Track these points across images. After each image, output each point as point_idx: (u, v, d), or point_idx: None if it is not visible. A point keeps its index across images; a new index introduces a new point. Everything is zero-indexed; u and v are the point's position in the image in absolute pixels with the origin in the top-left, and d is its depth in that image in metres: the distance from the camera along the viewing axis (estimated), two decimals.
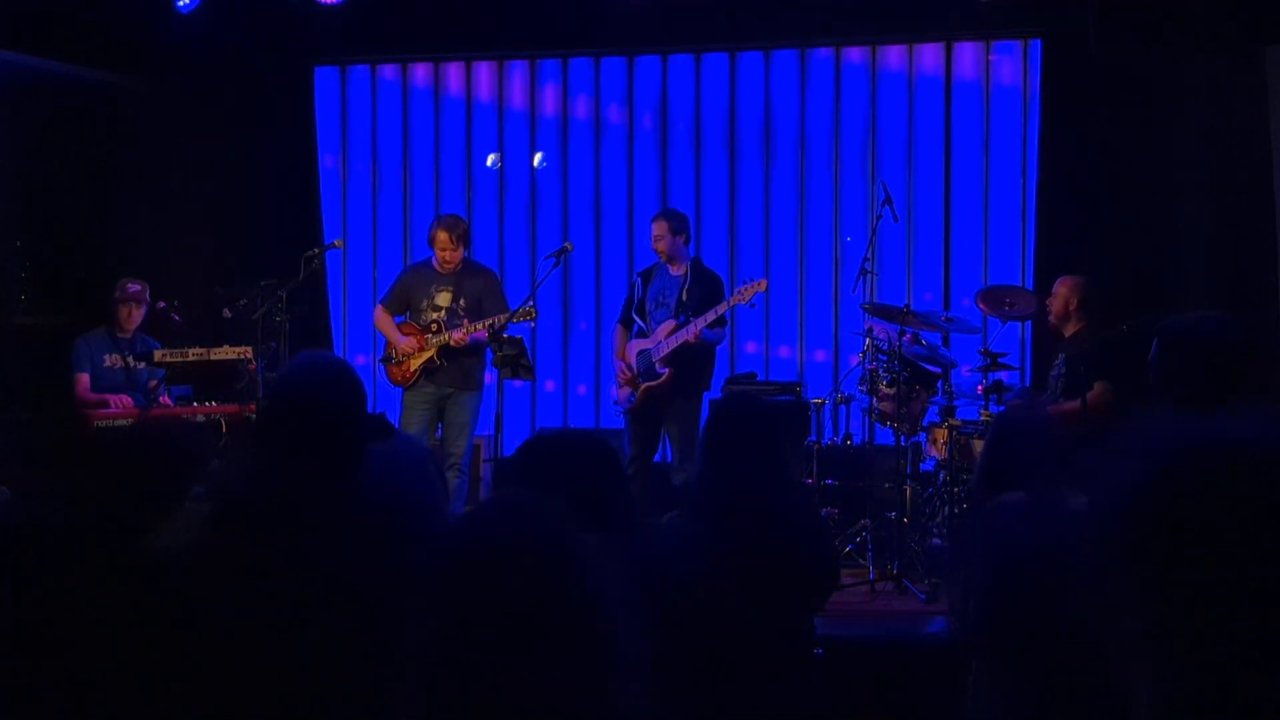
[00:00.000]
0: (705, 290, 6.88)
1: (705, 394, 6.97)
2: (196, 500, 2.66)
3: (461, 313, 6.85)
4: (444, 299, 6.92)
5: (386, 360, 7.06)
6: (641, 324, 6.97)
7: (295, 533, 2.31)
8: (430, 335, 6.86)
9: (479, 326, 6.74)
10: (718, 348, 7.13)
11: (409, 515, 2.53)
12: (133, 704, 2.40)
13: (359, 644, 2.20)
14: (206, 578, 2.37)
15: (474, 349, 6.86)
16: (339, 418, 2.43)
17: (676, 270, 6.95)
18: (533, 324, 6.98)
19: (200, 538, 2.65)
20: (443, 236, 6.90)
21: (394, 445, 2.62)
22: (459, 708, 1.51)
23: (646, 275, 7.10)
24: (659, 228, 6.93)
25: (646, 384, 6.84)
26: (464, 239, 6.95)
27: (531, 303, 6.72)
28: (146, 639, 2.38)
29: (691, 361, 6.82)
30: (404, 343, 6.93)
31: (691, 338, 6.69)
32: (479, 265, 7.26)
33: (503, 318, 6.67)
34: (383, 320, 7.13)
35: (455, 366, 6.87)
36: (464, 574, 1.57)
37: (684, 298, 6.85)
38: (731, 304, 6.82)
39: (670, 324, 6.81)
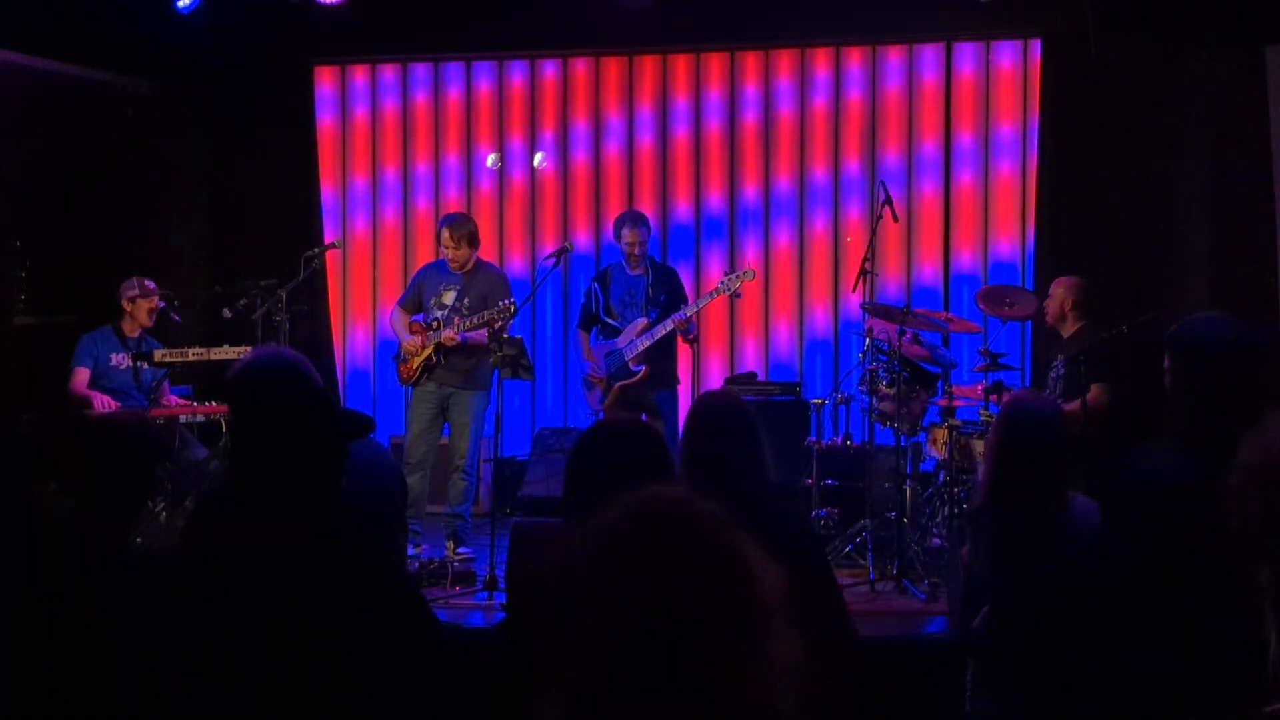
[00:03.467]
0: (670, 285, 7.08)
1: (677, 384, 7.13)
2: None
3: (465, 311, 6.85)
4: (449, 297, 6.92)
5: (397, 358, 7.09)
6: (614, 323, 7.03)
7: (262, 535, 2.30)
8: (431, 332, 6.87)
9: (467, 325, 6.72)
10: (691, 342, 7.19)
11: (367, 519, 2.50)
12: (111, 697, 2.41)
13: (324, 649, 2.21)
14: (183, 578, 2.38)
15: (474, 349, 6.85)
16: (297, 419, 2.38)
17: (636, 270, 7.04)
18: (508, 320, 6.88)
19: (178, 539, 2.66)
20: (445, 235, 6.92)
21: (356, 451, 2.56)
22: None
23: (603, 278, 7.21)
24: (640, 234, 7.02)
25: (621, 383, 6.91)
26: (468, 239, 6.90)
27: (507, 300, 6.71)
28: (125, 635, 2.38)
29: (663, 355, 6.97)
30: (408, 340, 6.95)
31: (679, 325, 6.78)
32: (490, 266, 7.24)
33: (485, 315, 6.66)
34: (395, 318, 7.16)
35: (454, 365, 6.85)
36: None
37: (651, 294, 6.96)
38: (718, 295, 6.89)
39: (642, 322, 6.92)
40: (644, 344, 6.88)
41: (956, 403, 6.72)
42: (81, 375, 7.10)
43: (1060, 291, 6.74)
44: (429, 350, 6.83)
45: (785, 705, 1.37)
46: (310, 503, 2.32)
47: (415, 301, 7.09)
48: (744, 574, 1.41)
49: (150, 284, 7.30)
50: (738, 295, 7.08)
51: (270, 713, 2.19)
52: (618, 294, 7.07)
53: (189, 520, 2.68)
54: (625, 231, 7.02)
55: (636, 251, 7.01)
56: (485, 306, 6.79)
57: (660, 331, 6.83)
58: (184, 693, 2.22)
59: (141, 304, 7.23)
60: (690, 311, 6.87)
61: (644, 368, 6.90)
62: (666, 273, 7.22)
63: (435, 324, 6.87)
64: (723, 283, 6.89)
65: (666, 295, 6.96)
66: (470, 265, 6.95)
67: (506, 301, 6.65)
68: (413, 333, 6.96)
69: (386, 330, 8.22)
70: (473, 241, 6.93)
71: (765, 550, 3.14)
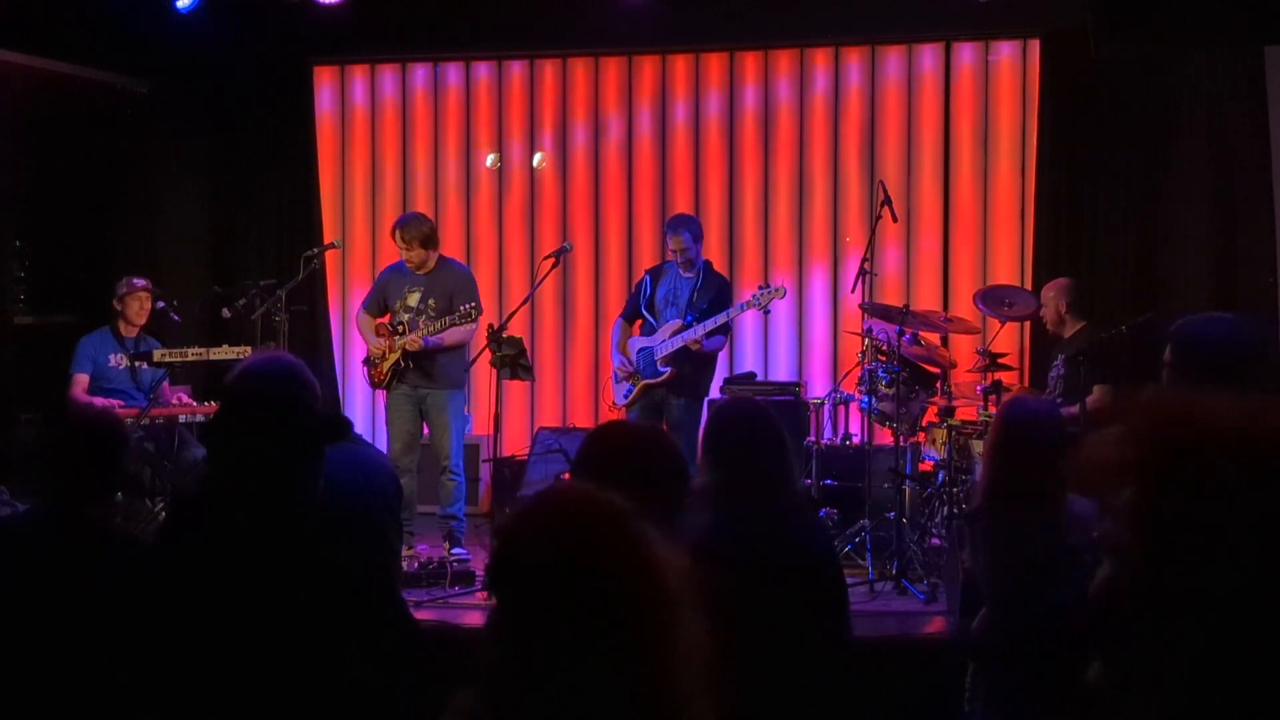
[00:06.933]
0: (714, 294, 6.88)
1: (705, 398, 6.98)
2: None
3: (431, 312, 6.77)
4: (413, 299, 6.84)
5: (367, 362, 7.01)
6: (652, 320, 6.95)
7: (235, 530, 2.31)
8: (396, 337, 6.82)
9: (431, 331, 6.65)
10: (719, 352, 7.12)
11: (347, 524, 2.49)
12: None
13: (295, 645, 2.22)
14: (158, 574, 2.39)
15: (441, 349, 6.77)
16: (275, 418, 2.39)
17: (688, 272, 6.93)
18: (469, 323, 6.71)
19: (159, 532, 2.67)
20: (397, 237, 6.83)
21: (342, 452, 2.54)
22: None
23: (656, 274, 7.09)
24: (681, 240, 6.84)
25: (647, 381, 6.84)
26: (421, 240, 6.78)
27: (469, 304, 6.65)
28: (104, 622, 2.39)
29: (693, 364, 6.82)
30: (375, 343, 6.88)
31: (692, 345, 6.69)
32: (454, 265, 7.14)
33: (446, 320, 6.61)
34: (360, 322, 7.07)
35: (423, 367, 6.77)
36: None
37: (694, 298, 6.85)
38: (746, 308, 6.79)
39: (676, 323, 6.81)
40: (673, 346, 6.79)
41: (956, 403, 6.72)
42: (81, 381, 7.07)
43: (1052, 295, 6.73)
44: (395, 355, 6.78)
45: (693, 686, 1.44)
46: (282, 504, 2.32)
47: (379, 304, 7.00)
48: (650, 563, 1.46)
49: (139, 281, 7.28)
50: (767, 311, 7.04)
51: (237, 713, 2.20)
52: (663, 292, 6.97)
53: (165, 518, 2.71)
54: (669, 239, 6.94)
55: (680, 259, 6.89)
56: (452, 306, 6.71)
57: (691, 337, 6.74)
58: (151, 688, 2.23)
59: (130, 301, 7.20)
60: (701, 331, 6.71)
61: (670, 370, 6.80)
62: (716, 281, 7.01)
63: (400, 328, 6.80)
64: (754, 297, 6.77)
65: (709, 303, 6.83)
66: (431, 265, 6.86)
67: (468, 306, 6.59)
68: (379, 335, 6.89)
69: None
70: (427, 243, 6.81)
71: (792, 563, 3.10)
